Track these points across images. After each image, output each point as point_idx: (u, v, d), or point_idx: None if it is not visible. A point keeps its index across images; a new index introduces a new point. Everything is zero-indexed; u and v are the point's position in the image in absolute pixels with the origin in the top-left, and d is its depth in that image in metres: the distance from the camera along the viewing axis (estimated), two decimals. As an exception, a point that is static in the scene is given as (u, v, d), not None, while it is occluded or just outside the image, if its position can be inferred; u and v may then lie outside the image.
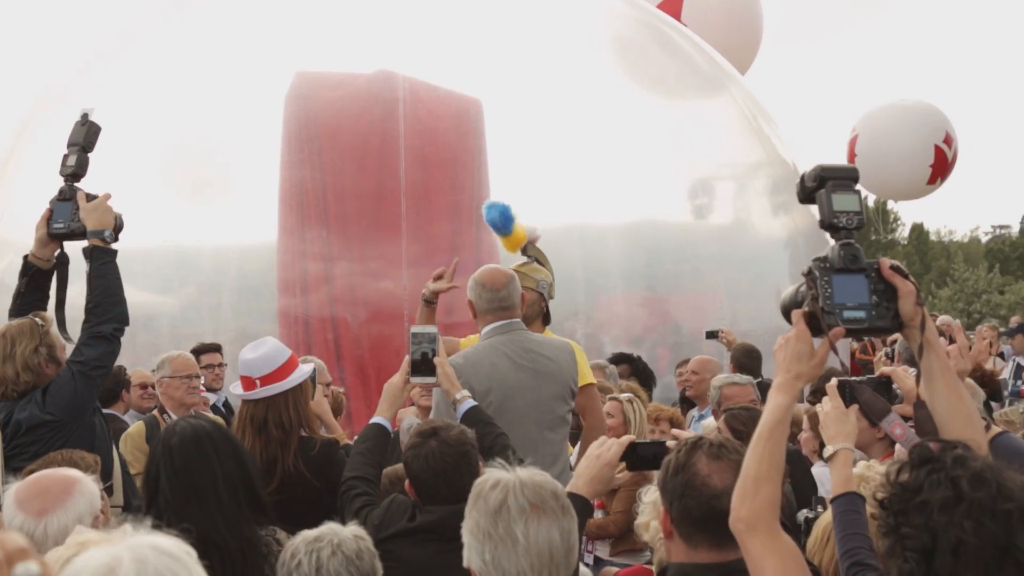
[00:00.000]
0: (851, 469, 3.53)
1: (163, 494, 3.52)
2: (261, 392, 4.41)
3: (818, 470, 5.60)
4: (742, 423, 4.82)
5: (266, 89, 9.99)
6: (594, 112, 10.16)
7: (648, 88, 11.05)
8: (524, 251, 6.44)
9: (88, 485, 3.14)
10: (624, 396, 6.67)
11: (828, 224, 2.88)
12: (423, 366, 4.41)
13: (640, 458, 3.57)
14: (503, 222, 6.42)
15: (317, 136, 9.78)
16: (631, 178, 10.32)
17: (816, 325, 2.80)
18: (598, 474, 3.56)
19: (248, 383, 4.45)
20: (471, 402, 4.42)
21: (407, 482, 3.80)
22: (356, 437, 4.54)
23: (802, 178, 2.97)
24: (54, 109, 11.06)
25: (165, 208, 9.85)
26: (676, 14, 13.94)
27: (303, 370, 4.58)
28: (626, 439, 3.61)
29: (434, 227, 9.70)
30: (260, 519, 3.61)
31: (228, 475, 3.57)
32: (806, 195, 2.96)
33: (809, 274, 2.83)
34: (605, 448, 3.59)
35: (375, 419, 4.37)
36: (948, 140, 14.58)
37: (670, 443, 3.43)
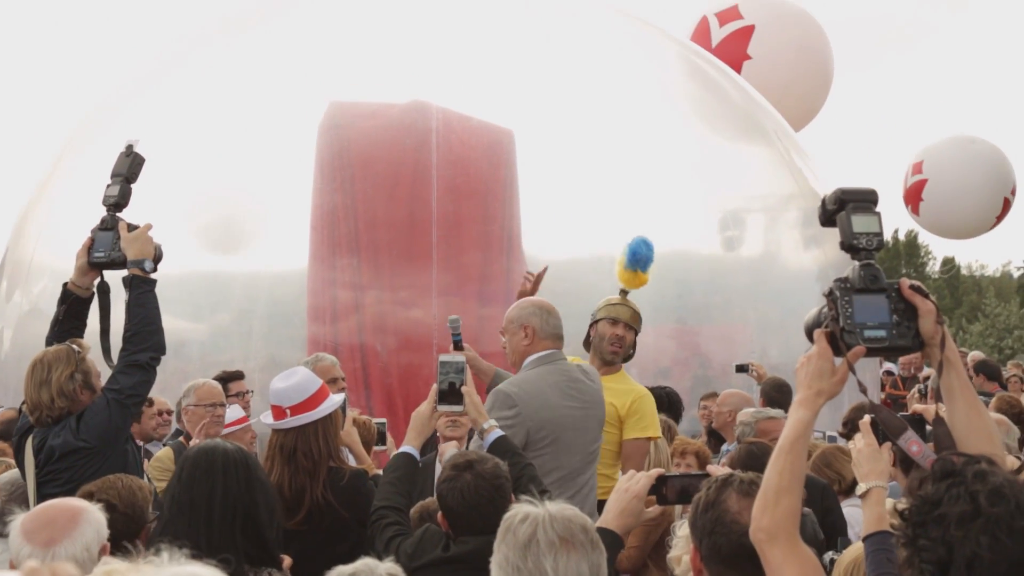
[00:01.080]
0: (884, 507, 3.51)
1: (165, 504, 3.54)
2: (291, 422, 4.41)
3: (846, 511, 5.55)
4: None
5: (300, 118, 10.07)
6: (625, 143, 10.17)
7: (679, 120, 11.05)
8: (623, 291, 6.64)
9: (95, 514, 3.15)
10: None
11: (848, 245, 2.92)
12: (451, 395, 4.41)
13: (670, 492, 3.55)
14: (646, 261, 6.62)
15: (350, 165, 9.84)
16: (661, 209, 10.32)
17: (837, 344, 2.83)
18: (627, 507, 3.54)
19: (279, 412, 4.45)
20: (499, 432, 4.41)
21: (439, 514, 3.80)
22: (385, 466, 4.54)
23: (823, 201, 3.02)
24: (91, 137, 11.19)
25: (198, 235, 9.94)
26: (743, 50, 14.09)
27: (333, 400, 4.58)
28: (655, 472, 3.60)
29: (465, 257, 9.72)
30: (257, 555, 3.56)
31: (229, 496, 3.55)
32: (827, 218, 3.00)
33: (830, 294, 2.87)
34: (634, 481, 3.57)
35: (403, 448, 4.38)
36: (1014, 191, 14.76)
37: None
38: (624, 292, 6.74)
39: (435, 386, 4.43)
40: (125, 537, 3.39)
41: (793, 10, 15.64)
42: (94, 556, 3.01)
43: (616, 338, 6.39)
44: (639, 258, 6.75)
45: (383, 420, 6.45)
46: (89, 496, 3.77)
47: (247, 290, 10.26)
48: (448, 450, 5.74)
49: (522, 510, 2.88)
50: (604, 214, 9.78)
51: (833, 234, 3.04)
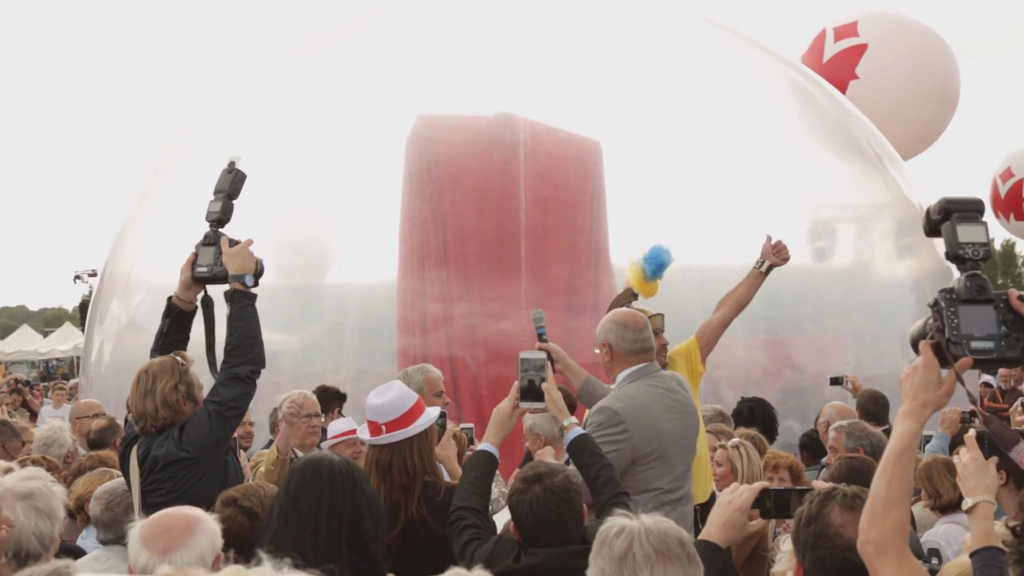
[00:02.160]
0: (991, 522, 3.43)
1: (273, 515, 3.57)
2: (387, 438, 4.42)
3: (943, 528, 5.42)
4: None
5: (388, 131, 10.17)
6: (713, 153, 10.10)
7: (768, 129, 10.93)
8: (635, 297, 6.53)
9: (210, 524, 3.19)
10: (731, 442, 6.47)
11: (954, 255, 2.88)
12: (531, 392, 4.40)
13: (773, 505, 3.51)
14: (662, 268, 6.54)
15: (438, 178, 9.91)
16: (751, 219, 10.22)
17: (943, 356, 2.78)
18: (730, 520, 3.51)
19: (375, 428, 4.46)
20: (579, 430, 4.38)
21: (511, 523, 3.80)
22: (464, 464, 4.53)
23: (927, 211, 2.98)
24: (185, 152, 11.44)
25: (289, 247, 10.08)
26: (851, 69, 14.01)
27: (429, 415, 4.56)
28: (759, 485, 3.56)
29: (553, 269, 9.72)
30: (362, 567, 3.57)
31: (335, 507, 3.57)
32: (931, 228, 2.97)
33: (935, 305, 2.82)
34: (737, 494, 3.54)
35: (482, 446, 4.38)
36: None
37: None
38: (635, 298, 6.63)
39: (516, 383, 4.41)
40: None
41: (914, 34, 15.45)
42: (208, 565, 3.06)
43: (664, 348, 6.34)
44: (664, 268, 6.67)
45: (470, 425, 6.44)
46: (232, 502, 3.86)
47: (338, 302, 10.38)
48: (546, 457, 5.73)
49: (617, 523, 2.86)
50: (692, 224, 9.71)
51: (928, 244, 3.01)
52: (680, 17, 11.87)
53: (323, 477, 3.61)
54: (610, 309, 6.40)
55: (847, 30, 15.25)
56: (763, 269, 6.87)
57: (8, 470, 4.51)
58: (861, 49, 14.82)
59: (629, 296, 6.60)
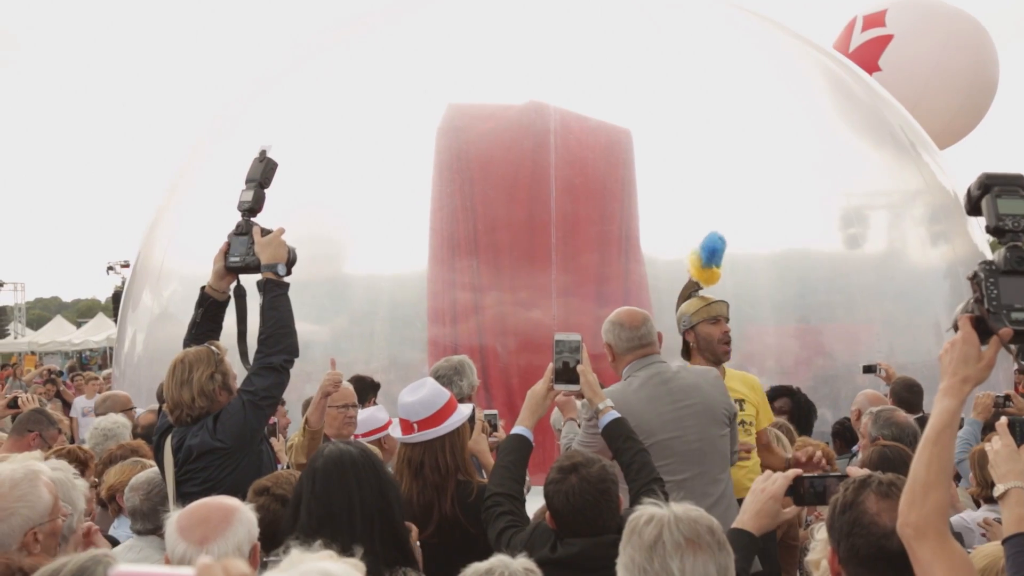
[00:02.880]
0: None
1: (302, 517, 3.56)
2: (419, 436, 4.40)
3: (978, 513, 5.38)
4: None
5: (419, 120, 10.18)
6: (744, 140, 10.05)
7: (800, 116, 10.87)
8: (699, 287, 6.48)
9: (246, 513, 3.20)
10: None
11: (994, 228, 2.85)
12: (565, 374, 4.36)
13: (807, 492, 3.49)
14: (717, 256, 6.48)
15: (469, 167, 9.91)
16: (782, 207, 10.19)
17: (984, 329, 2.75)
18: (763, 508, 3.49)
19: (407, 426, 4.44)
20: (614, 413, 4.35)
21: (547, 513, 3.79)
22: (499, 448, 4.52)
23: (968, 190, 2.95)
24: (215, 143, 11.49)
25: (320, 237, 10.11)
26: (875, 60, 13.89)
27: (462, 413, 4.53)
28: (792, 473, 3.53)
29: (583, 258, 9.71)
30: (393, 556, 3.56)
31: (366, 504, 3.55)
32: (972, 205, 2.94)
33: (974, 277, 2.79)
34: (770, 482, 3.51)
35: (516, 429, 4.35)
36: None
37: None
38: (698, 287, 6.57)
39: (551, 365, 4.38)
40: None
41: (944, 22, 15.23)
42: (245, 555, 3.07)
43: (726, 335, 6.23)
44: (718, 254, 6.59)
45: (494, 411, 6.41)
46: (264, 491, 3.87)
47: (368, 292, 10.41)
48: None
49: (647, 511, 2.85)
50: (724, 213, 9.66)
51: (962, 231, 2.99)
52: (713, 4, 11.82)
53: (349, 475, 3.59)
54: (679, 300, 6.41)
55: (875, 19, 15.11)
56: None
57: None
58: (886, 40, 14.68)
59: (693, 286, 6.57)
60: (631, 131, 10.14)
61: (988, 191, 2.87)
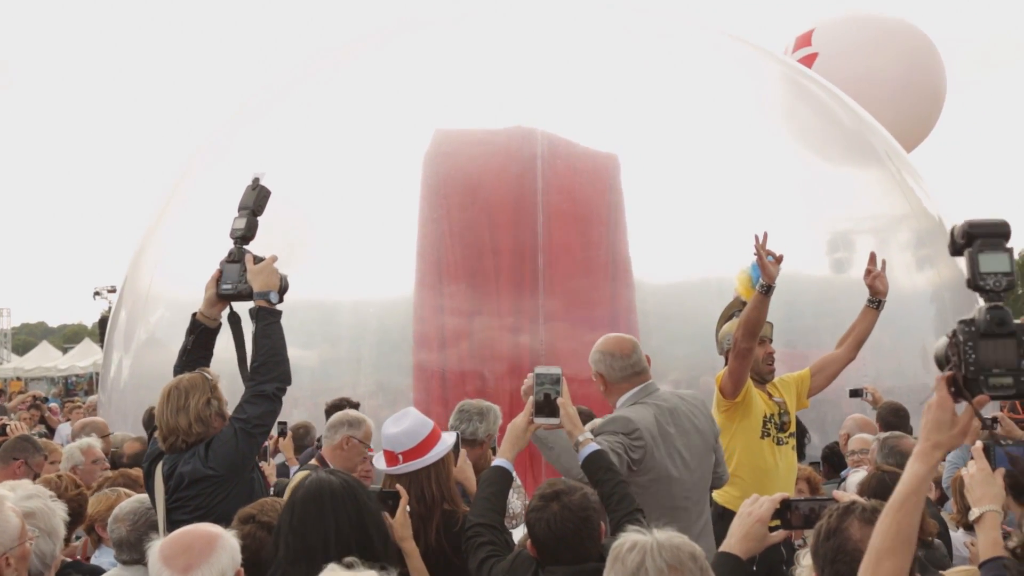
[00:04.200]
0: (999, 532, 3.42)
1: (280, 549, 3.55)
2: (404, 468, 4.40)
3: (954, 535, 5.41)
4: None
5: (406, 146, 10.19)
6: (731, 165, 10.10)
7: (786, 141, 10.93)
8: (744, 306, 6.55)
9: (229, 540, 3.20)
10: None
11: (975, 286, 2.76)
12: (546, 407, 4.33)
13: (794, 516, 3.50)
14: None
15: (456, 192, 9.92)
16: (768, 232, 10.22)
17: (960, 390, 2.68)
18: (750, 531, 3.48)
19: (391, 458, 4.44)
20: (594, 445, 4.34)
21: (528, 540, 3.78)
22: (479, 480, 4.52)
23: (951, 232, 2.85)
24: (202, 170, 11.50)
25: (307, 263, 10.10)
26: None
27: (446, 443, 4.54)
28: (778, 496, 3.54)
29: (571, 282, 9.71)
30: None
31: (342, 535, 3.54)
32: (955, 251, 2.84)
33: (953, 337, 2.71)
34: (757, 506, 3.52)
35: (497, 461, 4.34)
36: None
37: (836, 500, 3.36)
38: (743, 306, 6.64)
39: (531, 398, 4.37)
40: None
41: (869, 33, 15.25)
42: None
43: (769, 356, 6.46)
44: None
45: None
46: (250, 519, 3.87)
47: (355, 317, 10.38)
48: None
49: (630, 538, 2.87)
50: (712, 237, 9.71)
51: (948, 255, 2.92)
52: (698, 31, 11.90)
53: (327, 507, 3.59)
54: (721, 319, 6.47)
55: (804, 39, 15.20)
56: (876, 306, 7.19)
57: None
58: (812, 59, 14.74)
59: (738, 304, 6.65)
60: (619, 156, 10.16)
61: (971, 242, 2.79)
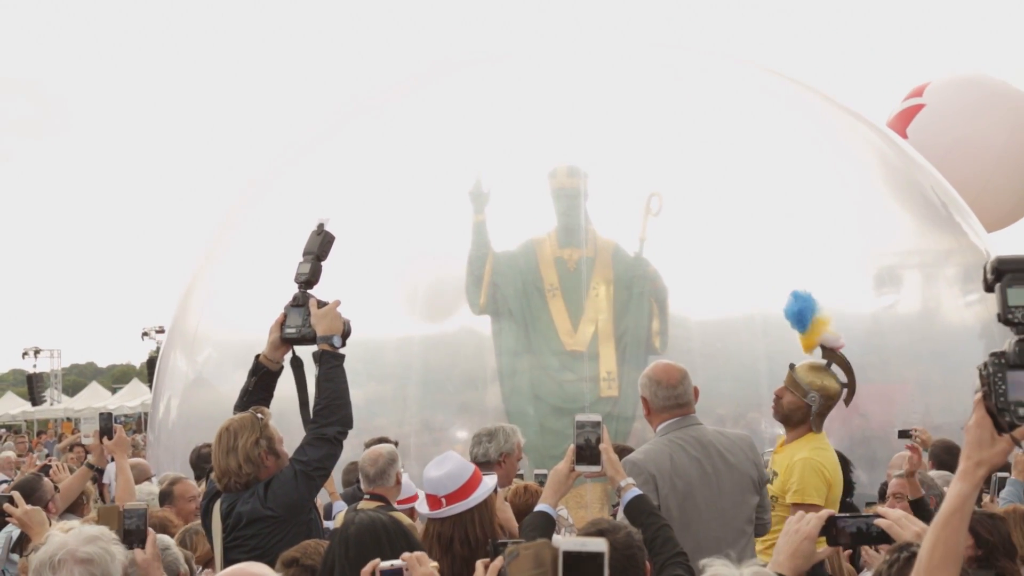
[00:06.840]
0: None
1: None
2: (447, 511, 4.42)
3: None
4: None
5: (448, 184, 10.24)
6: (776, 201, 10.09)
7: (832, 177, 10.90)
8: (824, 355, 6.44)
9: None
10: None
11: (1004, 319, 2.77)
12: (587, 453, 4.32)
13: (840, 533, 3.48)
14: (798, 319, 6.46)
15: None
16: (815, 268, 10.16)
17: (997, 422, 2.67)
18: (798, 549, 3.46)
19: (434, 502, 4.47)
20: (636, 491, 4.32)
21: None
22: (521, 525, 4.52)
23: (984, 268, 2.87)
24: (250, 212, 11.61)
25: (351, 301, 10.15)
26: (902, 129, 13.91)
27: (487, 485, 4.58)
28: (825, 513, 3.52)
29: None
30: None
31: None
32: (988, 286, 2.85)
33: (984, 368, 2.71)
34: (804, 523, 3.49)
35: (540, 507, 4.34)
36: None
37: (879, 521, 3.36)
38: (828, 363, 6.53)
39: (572, 444, 4.36)
40: None
41: (981, 94, 15.17)
42: None
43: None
44: (803, 314, 6.58)
45: (544, 471, 6.40)
46: (294, 562, 3.88)
47: (401, 356, 10.40)
48: None
49: (720, 572, 2.86)
50: (755, 272, 9.68)
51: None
52: (743, 67, 11.91)
53: (382, 541, 3.61)
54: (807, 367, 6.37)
55: (918, 91, 15.17)
56: None
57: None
58: (917, 109, 14.70)
59: (835, 356, 6.54)
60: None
61: (1000, 278, 2.79)
